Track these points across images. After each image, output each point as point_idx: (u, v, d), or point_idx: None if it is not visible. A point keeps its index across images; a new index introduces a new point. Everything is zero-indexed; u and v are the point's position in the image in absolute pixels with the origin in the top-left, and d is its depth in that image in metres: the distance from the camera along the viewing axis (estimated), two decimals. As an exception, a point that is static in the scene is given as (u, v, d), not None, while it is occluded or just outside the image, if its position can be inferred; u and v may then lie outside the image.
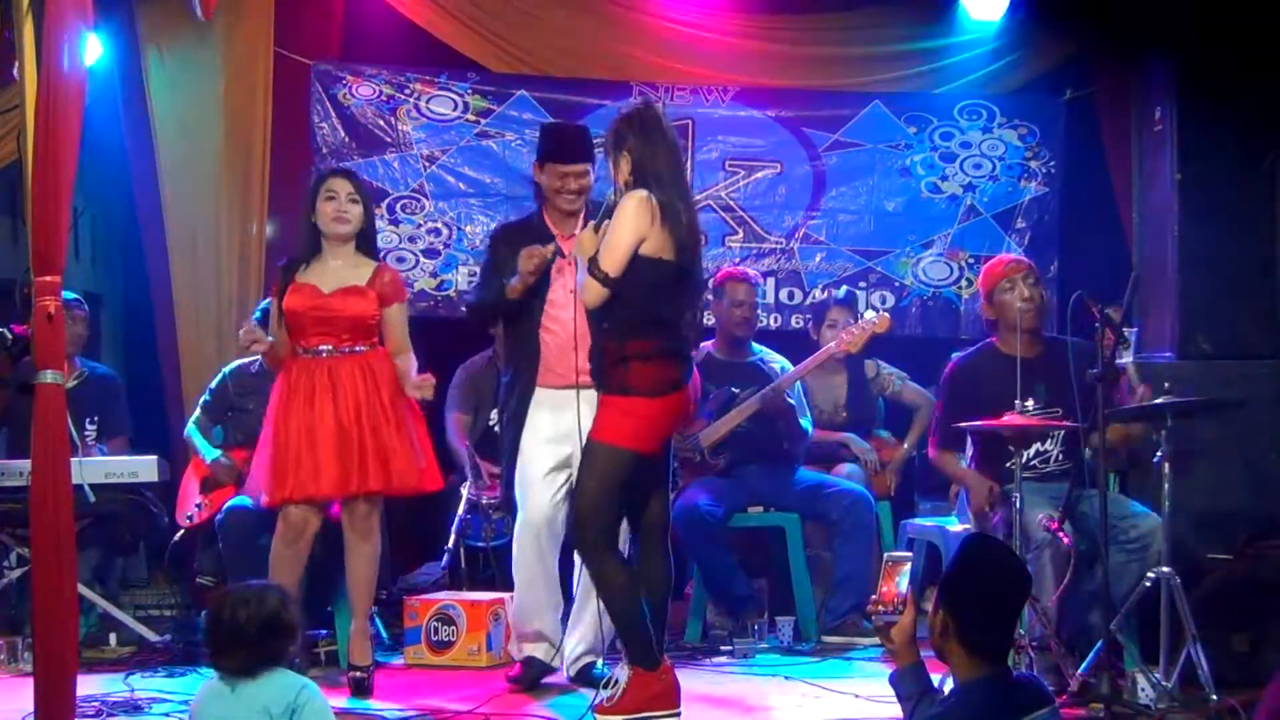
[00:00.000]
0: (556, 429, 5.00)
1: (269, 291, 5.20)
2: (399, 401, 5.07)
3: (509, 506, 5.28)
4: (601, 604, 4.81)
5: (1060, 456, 5.29)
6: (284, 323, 5.09)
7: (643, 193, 4.38)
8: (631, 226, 4.35)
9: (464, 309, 5.64)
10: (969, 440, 5.36)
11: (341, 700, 4.84)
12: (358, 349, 5.07)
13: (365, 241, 5.18)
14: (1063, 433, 5.22)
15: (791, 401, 6.14)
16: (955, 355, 5.66)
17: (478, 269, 5.72)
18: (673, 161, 4.48)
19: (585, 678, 5.07)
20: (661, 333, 4.46)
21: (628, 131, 4.45)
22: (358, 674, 5.08)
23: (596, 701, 4.56)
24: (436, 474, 5.21)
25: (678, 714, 4.56)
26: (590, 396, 4.57)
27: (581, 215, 5.09)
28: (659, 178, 4.41)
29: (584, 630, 5.07)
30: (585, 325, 4.66)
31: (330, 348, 5.06)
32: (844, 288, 6.78)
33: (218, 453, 5.94)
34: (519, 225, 5.34)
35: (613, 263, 4.36)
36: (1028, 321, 5.19)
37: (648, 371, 4.41)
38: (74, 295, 6.02)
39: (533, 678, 5.12)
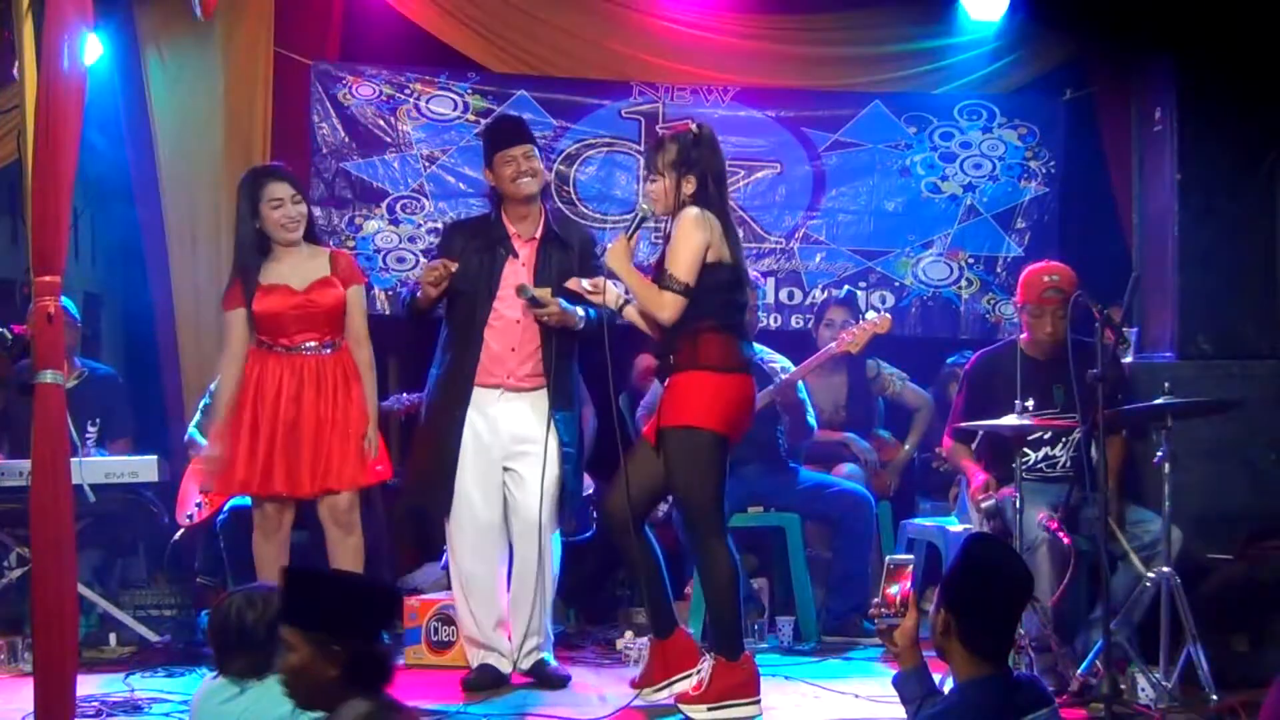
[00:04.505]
0: (487, 428, 5.03)
1: (228, 304, 5.12)
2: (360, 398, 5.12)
3: (438, 507, 5.13)
4: (543, 590, 4.97)
5: (1068, 463, 5.29)
6: (254, 327, 5.08)
7: (696, 210, 4.57)
8: (699, 238, 4.55)
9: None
10: (978, 437, 5.39)
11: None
12: (336, 343, 5.10)
13: (310, 230, 5.21)
14: (1073, 440, 5.22)
15: (802, 396, 6.14)
16: (978, 351, 5.70)
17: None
18: (724, 178, 4.74)
19: (540, 673, 5.05)
20: (728, 321, 4.62)
21: (699, 153, 4.63)
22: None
23: (678, 690, 4.62)
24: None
25: (757, 701, 4.63)
26: (522, 399, 4.99)
27: (541, 221, 5.08)
28: (721, 194, 4.66)
29: (530, 623, 5.04)
30: (529, 330, 4.95)
31: (314, 343, 5.09)
32: (845, 288, 6.78)
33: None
34: (475, 222, 5.32)
35: (687, 272, 4.54)
36: (1045, 352, 5.30)
37: (719, 344, 4.56)
38: (65, 302, 6.00)
39: (484, 684, 5.03)
